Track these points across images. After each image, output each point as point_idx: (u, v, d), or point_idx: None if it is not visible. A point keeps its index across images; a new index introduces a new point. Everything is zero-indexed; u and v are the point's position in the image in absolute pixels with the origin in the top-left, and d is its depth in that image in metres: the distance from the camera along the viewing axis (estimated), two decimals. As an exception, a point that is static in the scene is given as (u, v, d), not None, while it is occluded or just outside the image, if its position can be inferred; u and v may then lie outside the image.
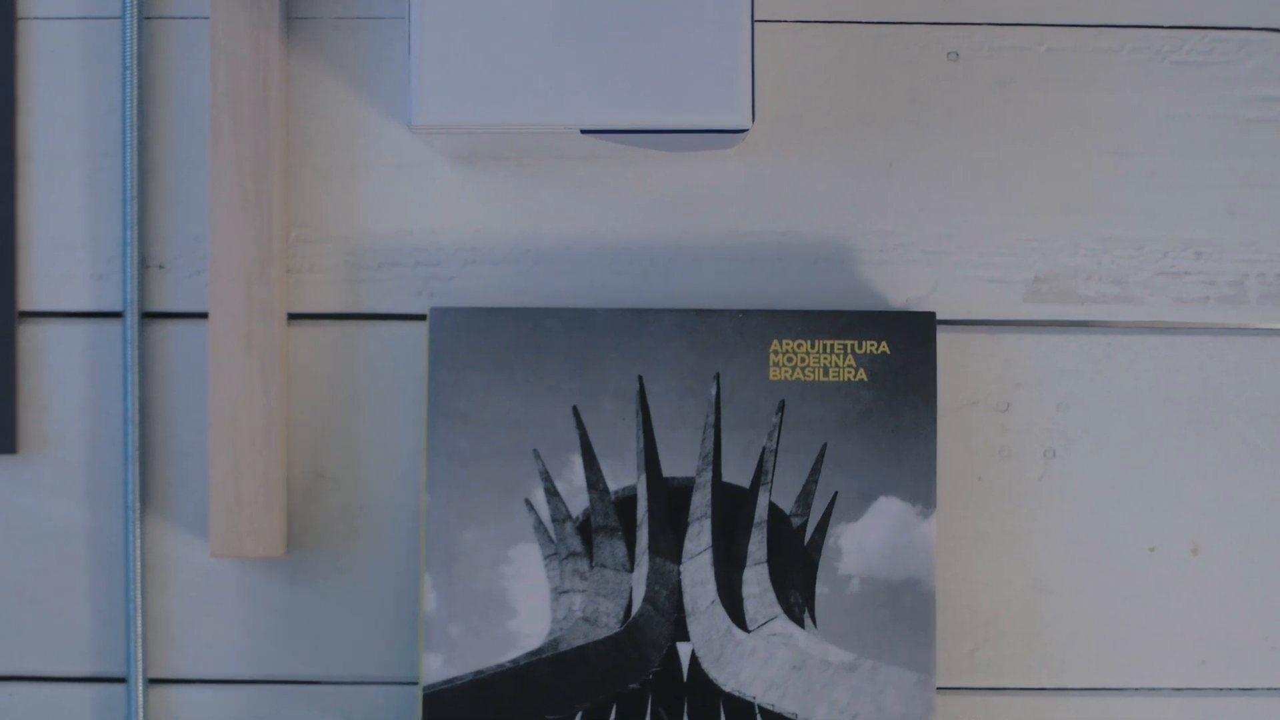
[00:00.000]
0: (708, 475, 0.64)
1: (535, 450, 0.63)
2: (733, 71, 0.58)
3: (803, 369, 0.64)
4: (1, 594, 0.66)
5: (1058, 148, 0.66)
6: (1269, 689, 0.67)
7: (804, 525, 0.63)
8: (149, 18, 0.66)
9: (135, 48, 0.65)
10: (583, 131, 0.59)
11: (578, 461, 0.63)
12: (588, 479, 0.63)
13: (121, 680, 0.66)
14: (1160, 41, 0.66)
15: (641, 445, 0.64)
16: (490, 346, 0.63)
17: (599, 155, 0.65)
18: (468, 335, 0.63)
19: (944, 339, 0.66)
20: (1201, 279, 0.66)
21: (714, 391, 0.64)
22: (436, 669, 0.63)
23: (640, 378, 0.64)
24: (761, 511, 0.63)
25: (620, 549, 0.63)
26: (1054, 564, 0.66)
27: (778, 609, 0.63)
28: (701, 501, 0.64)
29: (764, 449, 0.64)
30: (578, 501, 0.63)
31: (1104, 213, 0.66)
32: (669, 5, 0.58)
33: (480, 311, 0.64)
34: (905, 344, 0.64)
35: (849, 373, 0.64)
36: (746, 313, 0.64)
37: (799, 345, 0.64)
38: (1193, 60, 0.66)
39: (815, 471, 0.63)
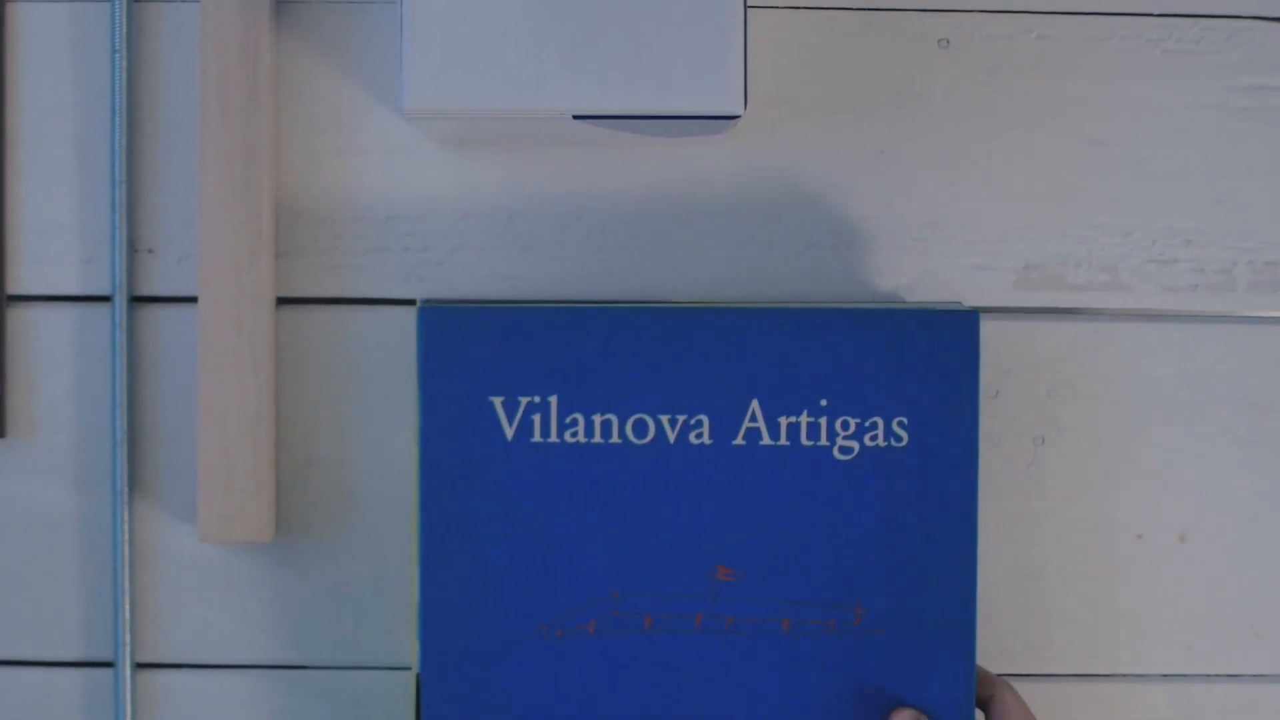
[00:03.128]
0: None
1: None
2: (726, 57, 0.58)
3: None
4: (-11, 579, 0.66)
5: (1048, 135, 0.66)
6: (1255, 675, 0.67)
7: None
8: (138, 0, 0.65)
9: (125, 30, 0.64)
10: (575, 117, 0.59)
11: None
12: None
13: (109, 665, 0.66)
14: (1150, 30, 0.66)
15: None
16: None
17: (590, 140, 0.65)
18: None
19: (934, 326, 0.66)
20: (1190, 267, 0.67)
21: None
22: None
23: None
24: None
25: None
26: (1042, 550, 0.67)
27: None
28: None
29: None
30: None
31: (1093, 200, 0.66)
32: (662, -9, 0.58)
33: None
34: None
35: None
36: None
37: None
38: (1182, 49, 0.66)
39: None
